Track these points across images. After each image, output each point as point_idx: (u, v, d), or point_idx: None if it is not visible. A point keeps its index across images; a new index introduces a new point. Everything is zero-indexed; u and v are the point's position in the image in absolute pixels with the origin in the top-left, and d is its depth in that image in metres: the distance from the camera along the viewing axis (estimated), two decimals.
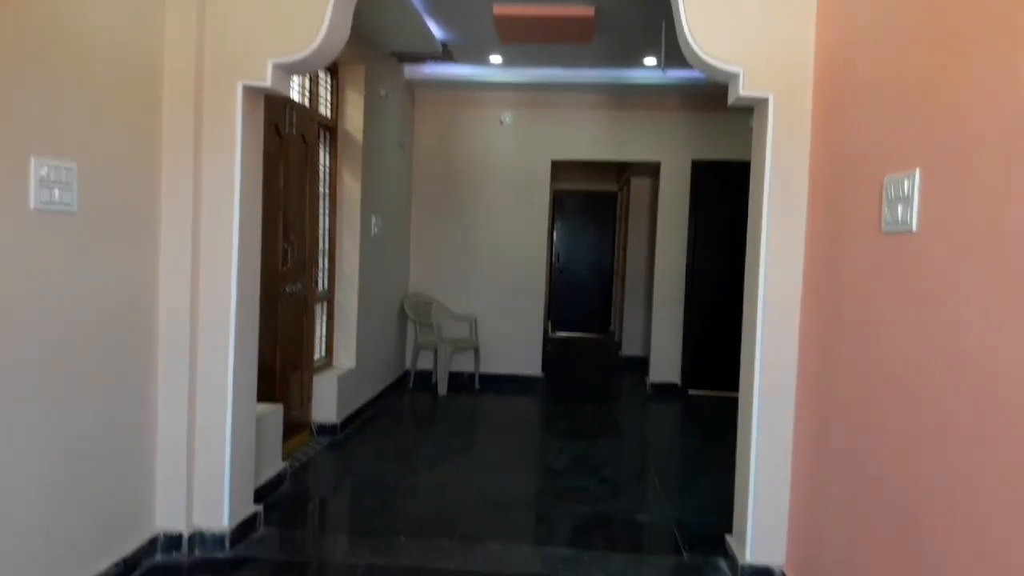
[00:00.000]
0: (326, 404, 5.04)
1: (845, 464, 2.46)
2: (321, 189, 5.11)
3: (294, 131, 4.56)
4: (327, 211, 5.24)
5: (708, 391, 6.82)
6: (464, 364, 6.80)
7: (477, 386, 6.74)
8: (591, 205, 11.03)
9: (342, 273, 5.37)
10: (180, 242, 3.10)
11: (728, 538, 3.28)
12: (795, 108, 2.99)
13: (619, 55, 6.02)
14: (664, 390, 6.87)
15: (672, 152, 6.86)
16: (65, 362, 2.56)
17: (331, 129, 5.28)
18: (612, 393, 7.33)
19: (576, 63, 6.33)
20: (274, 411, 4.00)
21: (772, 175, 3.02)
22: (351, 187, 5.40)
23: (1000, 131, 1.66)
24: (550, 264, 7.44)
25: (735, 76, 3.02)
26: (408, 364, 6.84)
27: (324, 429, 5.02)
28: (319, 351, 5.20)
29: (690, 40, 3.00)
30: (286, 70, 3.22)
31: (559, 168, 7.43)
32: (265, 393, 4.09)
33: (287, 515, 3.67)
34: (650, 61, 6.11)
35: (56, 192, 2.45)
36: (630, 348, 8.32)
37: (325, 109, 5.19)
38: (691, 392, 6.84)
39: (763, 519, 3.04)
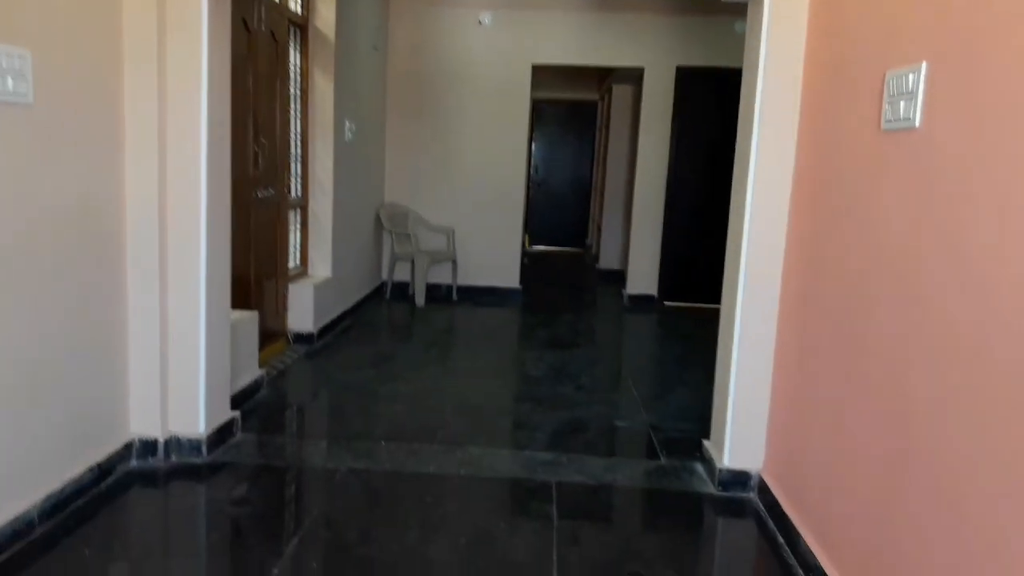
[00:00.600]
0: (302, 313, 4.97)
1: (830, 369, 2.46)
2: (292, 90, 4.89)
3: (263, 27, 4.31)
4: (298, 114, 5.03)
5: (684, 303, 6.85)
6: (442, 276, 6.74)
7: (455, 298, 6.70)
8: (571, 115, 10.79)
9: (315, 179, 5.20)
10: (146, 139, 2.95)
11: (705, 443, 3.32)
12: (790, 5, 2.85)
13: None
14: (641, 302, 6.89)
15: (656, 58, 6.66)
16: (24, 265, 2.44)
17: (302, 27, 5.02)
18: (589, 305, 7.34)
19: None
20: (249, 318, 3.92)
21: (765, 78, 2.91)
22: (323, 89, 5.17)
23: (1015, 20, 1.57)
24: (528, 176, 7.29)
25: None
26: (385, 275, 6.76)
27: (301, 338, 4.97)
28: (294, 260, 5.09)
29: None
30: None
31: (539, 74, 7.19)
32: (240, 301, 4.00)
33: (265, 421, 3.64)
34: None
35: (9, 81, 2.28)
36: (608, 261, 8.30)
37: (295, 5, 4.91)
38: (667, 304, 6.87)
39: (742, 424, 3.07)
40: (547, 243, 10.77)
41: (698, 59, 6.58)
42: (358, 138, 5.80)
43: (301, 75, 5.04)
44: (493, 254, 6.83)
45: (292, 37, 4.87)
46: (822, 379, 2.52)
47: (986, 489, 1.58)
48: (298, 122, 5.03)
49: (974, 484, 1.62)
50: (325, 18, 5.14)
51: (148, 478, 2.99)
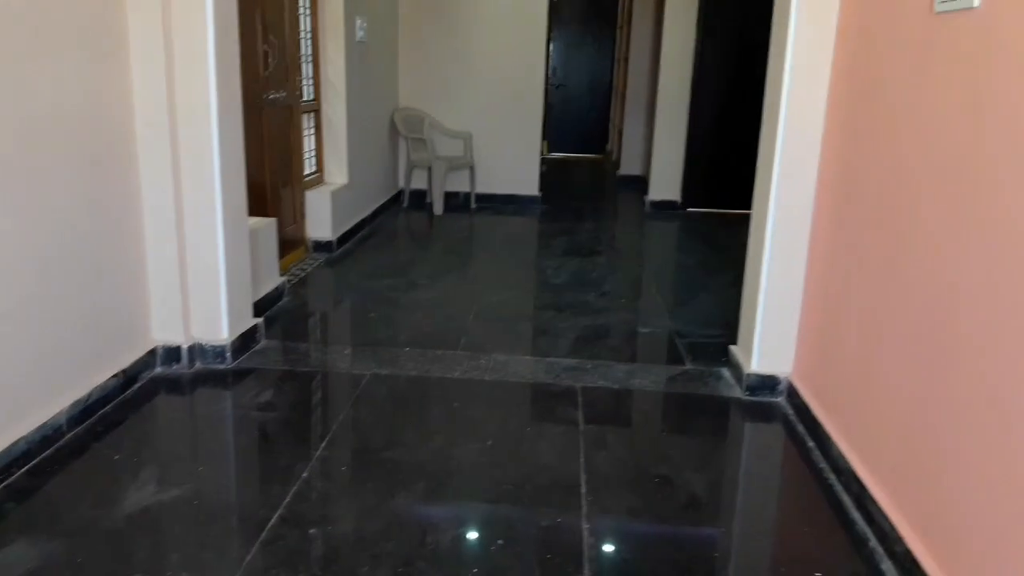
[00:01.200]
0: (321, 220, 4.89)
1: (868, 269, 2.36)
2: None
3: None
4: (308, 11, 4.81)
5: (708, 208, 6.69)
6: (459, 184, 6.60)
7: (473, 206, 6.58)
8: (590, 13, 10.33)
9: (327, 81, 5.02)
10: (150, 36, 2.81)
11: (732, 348, 3.27)
12: None
13: None
14: (663, 208, 6.74)
15: None
16: (27, 165, 2.36)
17: None
18: (610, 212, 7.21)
19: None
20: (268, 224, 3.85)
21: None
22: None
23: None
24: (547, 80, 7.01)
25: None
26: (402, 183, 6.64)
27: (320, 246, 4.91)
28: (309, 166, 4.97)
29: None
30: None
31: None
32: (256, 209, 3.92)
33: (288, 328, 3.63)
34: None
35: None
36: (629, 167, 8.10)
37: None
38: (690, 210, 6.72)
39: (771, 327, 3.00)
40: (566, 150, 10.52)
41: None
42: (370, 37, 5.57)
43: None
44: (512, 161, 6.66)
45: None
46: (859, 279, 2.43)
47: None
48: (308, 20, 4.82)
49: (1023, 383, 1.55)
50: None
51: (173, 384, 3.00)
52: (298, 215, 4.74)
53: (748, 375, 3.04)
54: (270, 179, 4.29)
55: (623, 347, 3.58)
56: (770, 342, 3.02)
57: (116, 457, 2.45)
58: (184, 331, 3.11)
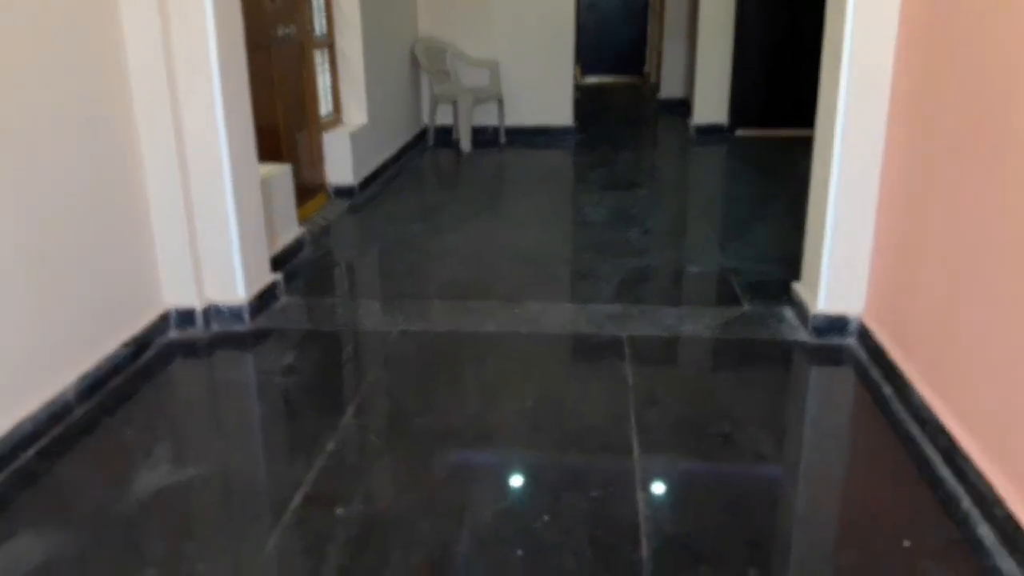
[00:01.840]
0: (341, 164, 4.62)
1: (952, 199, 2.02)
2: None
3: None
4: None
5: (758, 130, 6.23)
6: (487, 117, 6.22)
7: (503, 140, 6.22)
8: None
9: (340, 12, 4.67)
10: None
11: (795, 286, 2.95)
12: None
13: None
14: (709, 133, 6.29)
15: None
16: (23, 127, 2.11)
17: None
18: (651, 140, 6.81)
19: None
20: (282, 172, 3.59)
21: None
22: None
23: None
24: None
25: None
26: (426, 119, 6.30)
27: (341, 192, 4.65)
28: (325, 106, 4.67)
29: None
30: None
31: None
32: (269, 155, 3.66)
33: (309, 283, 3.40)
34: None
35: None
36: (670, 90, 7.61)
37: None
38: (739, 133, 6.27)
39: (840, 262, 2.68)
40: (600, 73, 9.97)
41: None
42: None
43: None
44: (542, 89, 6.24)
45: None
46: (942, 206, 2.09)
47: None
48: None
49: None
50: None
51: (189, 349, 2.81)
52: (316, 160, 4.47)
53: (815, 315, 2.73)
54: (283, 123, 4.02)
55: (672, 289, 3.29)
56: (839, 278, 2.70)
57: (129, 433, 2.27)
58: (197, 292, 2.89)
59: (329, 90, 4.73)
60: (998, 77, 1.85)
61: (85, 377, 2.42)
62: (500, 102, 6.15)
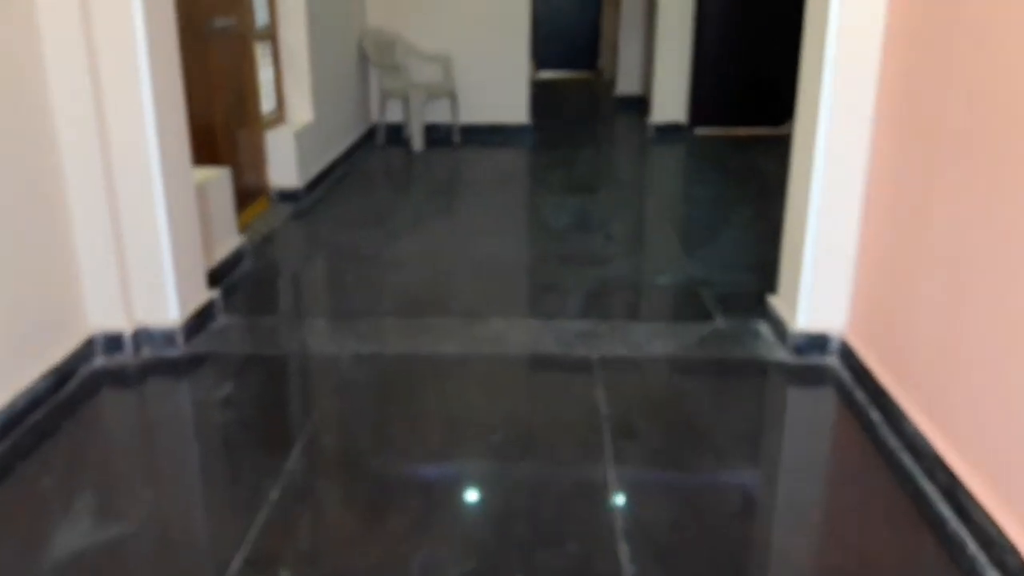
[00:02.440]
0: (284, 165, 4.33)
1: (946, 208, 1.88)
2: None
3: None
4: None
5: (718, 129, 6.12)
6: (440, 114, 5.97)
7: (456, 139, 5.97)
8: None
9: (284, 2, 4.37)
10: None
11: (771, 300, 2.81)
12: None
13: None
14: (668, 132, 6.14)
15: None
16: None
17: None
18: (609, 138, 6.65)
19: None
20: (220, 176, 3.31)
21: None
22: None
23: None
24: None
25: None
26: (375, 116, 6.02)
27: (286, 195, 4.36)
28: (268, 102, 4.38)
29: None
30: None
31: None
32: (207, 157, 3.37)
33: (251, 299, 3.13)
34: None
35: None
36: (627, 86, 7.45)
37: None
38: (698, 132, 6.14)
39: (820, 277, 2.54)
40: (553, 67, 9.77)
41: None
42: None
43: None
44: (497, 86, 6.02)
45: None
46: (940, 214, 1.95)
47: None
48: None
49: None
50: None
51: (117, 378, 2.53)
52: (257, 161, 4.18)
53: (794, 333, 2.59)
54: (222, 121, 3.72)
55: (640, 303, 3.12)
56: (819, 293, 2.56)
57: (46, 481, 2.00)
58: (126, 313, 2.61)
59: (272, 85, 4.43)
60: (997, 75, 1.71)
61: None
62: (453, 98, 5.90)
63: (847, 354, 2.51)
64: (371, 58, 5.75)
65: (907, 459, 2.04)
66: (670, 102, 6.10)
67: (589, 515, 1.84)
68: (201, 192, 2.98)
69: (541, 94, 8.21)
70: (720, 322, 2.85)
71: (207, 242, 3.02)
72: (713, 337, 2.75)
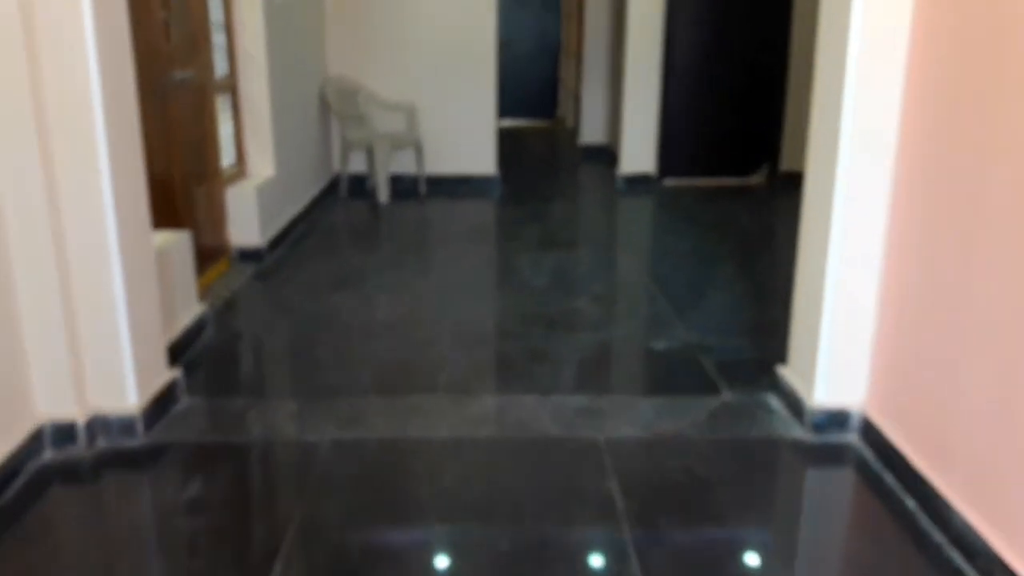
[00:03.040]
0: (246, 223, 4.06)
1: (987, 276, 1.76)
2: None
3: None
4: None
5: (687, 180, 6.05)
6: (404, 165, 5.77)
7: (423, 190, 5.77)
8: None
9: (244, 52, 4.15)
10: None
11: (782, 371, 2.66)
12: None
13: None
14: (637, 182, 6.05)
15: None
16: None
17: None
18: (578, 189, 6.53)
19: None
20: (180, 240, 3.04)
21: None
22: None
23: None
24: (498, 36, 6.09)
25: None
26: (337, 167, 5.79)
27: (247, 255, 4.08)
28: (228, 156, 4.12)
29: None
30: None
31: None
32: (164, 215, 3.10)
33: (215, 376, 2.85)
34: None
35: None
36: (591, 136, 7.38)
37: None
38: (667, 183, 6.07)
39: (839, 347, 2.40)
40: (513, 116, 9.69)
41: None
42: None
43: None
44: (463, 135, 5.85)
45: None
46: (980, 282, 1.82)
47: None
48: None
49: None
50: None
51: (69, 474, 2.24)
52: (217, 219, 3.90)
53: (812, 409, 2.43)
54: (180, 177, 3.45)
55: (640, 372, 2.95)
56: (838, 365, 2.42)
57: None
58: (78, 399, 2.32)
59: (231, 138, 4.18)
60: None
61: None
62: (419, 149, 5.72)
63: (869, 431, 2.36)
64: (333, 107, 5.54)
65: (957, 557, 1.88)
66: (638, 153, 6.02)
67: None
68: (160, 259, 2.71)
69: (503, 142, 8.10)
70: (727, 395, 2.69)
71: (167, 313, 2.74)
72: (723, 412, 2.58)
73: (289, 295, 3.69)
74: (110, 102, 2.23)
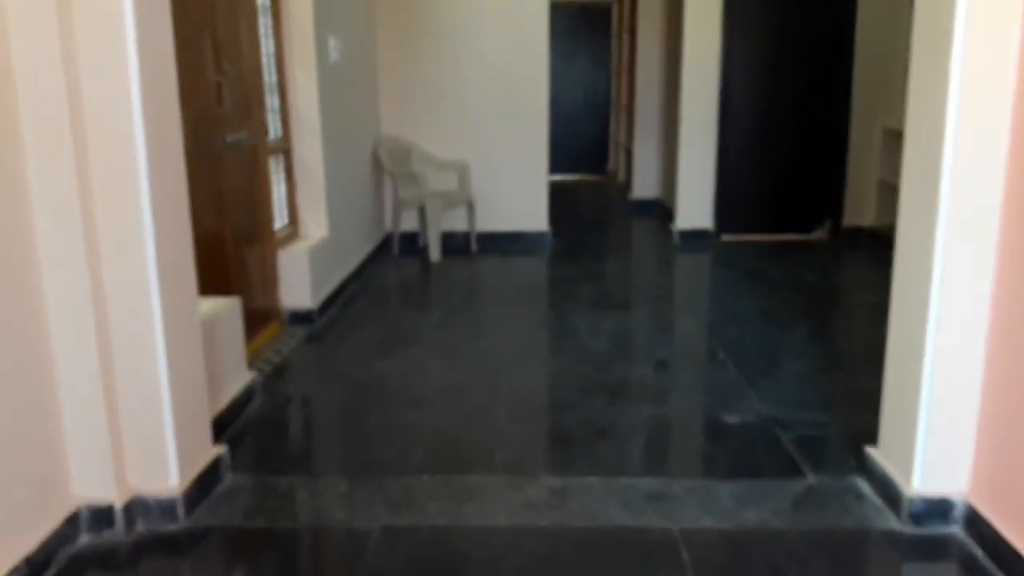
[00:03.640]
0: (298, 285, 3.99)
1: None
2: (259, 0, 3.78)
3: None
4: (270, 31, 3.94)
5: (746, 235, 5.84)
6: (456, 222, 5.69)
7: (474, 248, 5.67)
8: (581, 21, 9.51)
9: (298, 114, 4.14)
10: (46, 59, 1.94)
11: (872, 453, 2.41)
12: None
13: None
14: (693, 238, 5.86)
15: None
16: None
17: None
18: (632, 245, 6.36)
19: None
20: (229, 307, 2.95)
21: None
22: None
23: None
24: (551, 94, 6.03)
25: None
26: (389, 225, 5.73)
27: (298, 317, 3.99)
28: (280, 218, 4.08)
29: None
30: None
31: None
32: (214, 279, 3.03)
33: (262, 451, 2.72)
34: None
35: None
36: (643, 190, 7.24)
37: None
38: (725, 238, 5.86)
39: (939, 430, 2.16)
40: (563, 171, 9.60)
41: None
42: (345, 58, 4.69)
43: None
44: (515, 192, 5.76)
45: None
46: None
47: None
48: (270, 41, 3.94)
49: None
50: None
51: (105, 560, 2.11)
52: (269, 281, 3.84)
53: (910, 499, 2.18)
54: (232, 239, 3.39)
55: (713, 450, 2.73)
56: (938, 449, 2.17)
57: None
58: (117, 481, 2.20)
59: (284, 200, 4.14)
60: None
61: None
62: (470, 206, 5.64)
63: (975, 522, 2.10)
64: (386, 166, 5.51)
65: None
66: (695, 207, 5.85)
67: None
68: (208, 328, 2.62)
69: (555, 197, 8.01)
70: (812, 479, 2.45)
71: (213, 385, 2.64)
72: (809, 499, 2.34)
73: (339, 361, 3.58)
74: (156, 166, 2.16)
